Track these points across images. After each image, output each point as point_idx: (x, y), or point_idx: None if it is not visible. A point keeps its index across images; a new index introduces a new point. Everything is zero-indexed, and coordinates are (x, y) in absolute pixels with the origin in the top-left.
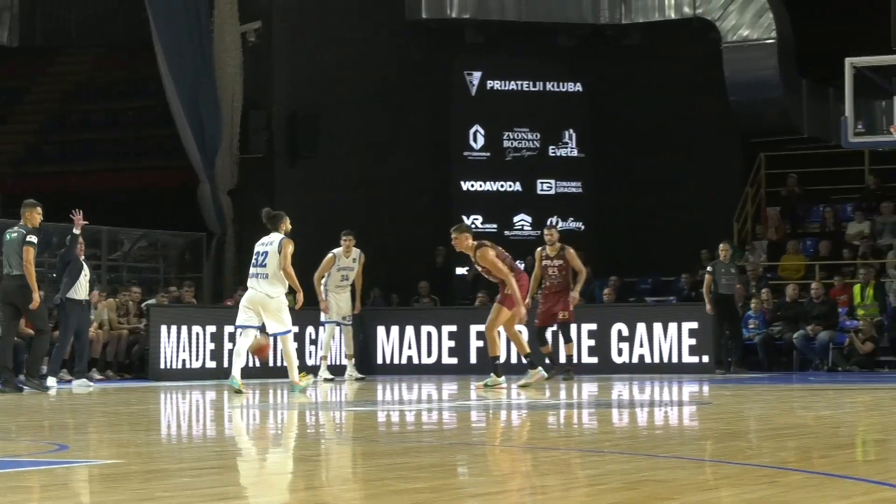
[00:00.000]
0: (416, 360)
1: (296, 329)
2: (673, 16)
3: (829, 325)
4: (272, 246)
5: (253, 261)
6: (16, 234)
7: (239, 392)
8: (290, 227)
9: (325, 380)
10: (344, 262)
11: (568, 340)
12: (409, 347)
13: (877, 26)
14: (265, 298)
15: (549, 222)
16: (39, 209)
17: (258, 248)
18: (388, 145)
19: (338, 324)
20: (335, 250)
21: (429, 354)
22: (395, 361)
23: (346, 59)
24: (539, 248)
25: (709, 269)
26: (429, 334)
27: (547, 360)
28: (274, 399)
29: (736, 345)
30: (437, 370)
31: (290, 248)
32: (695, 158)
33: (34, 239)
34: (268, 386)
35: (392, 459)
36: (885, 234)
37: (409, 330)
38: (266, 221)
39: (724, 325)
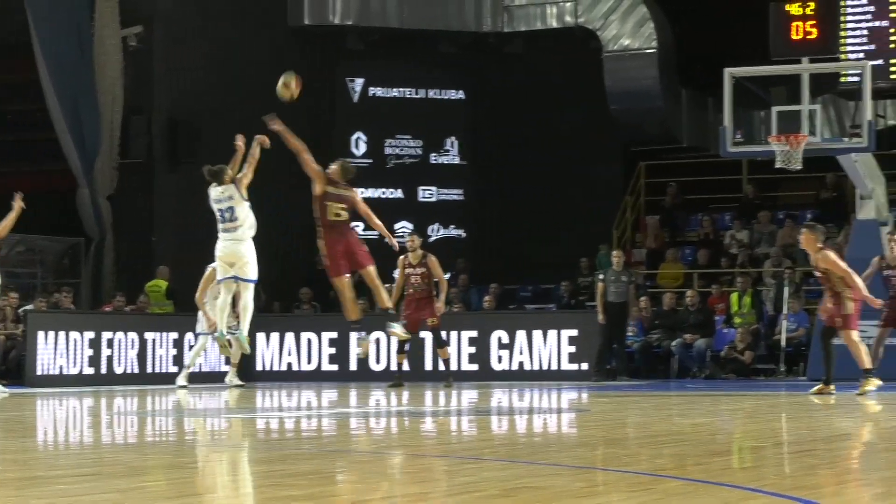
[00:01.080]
0: (295, 367)
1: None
2: (555, 24)
3: (706, 333)
4: (233, 200)
5: (220, 218)
6: None
7: (225, 346)
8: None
9: (236, 386)
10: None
11: (441, 345)
12: (290, 354)
13: (756, 37)
14: (240, 249)
15: (430, 231)
16: None
17: (217, 206)
18: (269, 151)
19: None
20: (215, 263)
21: (309, 361)
22: (275, 368)
23: (227, 65)
24: (402, 256)
25: (600, 276)
26: (309, 341)
27: (396, 369)
28: (153, 405)
29: (622, 352)
30: (317, 377)
31: (246, 181)
32: (576, 167)
33: None
34: (147, 392)
35: (269, 466)
36: (763, 243)
37: (290, 337)
38: (211, 178)
39: (613, 333)
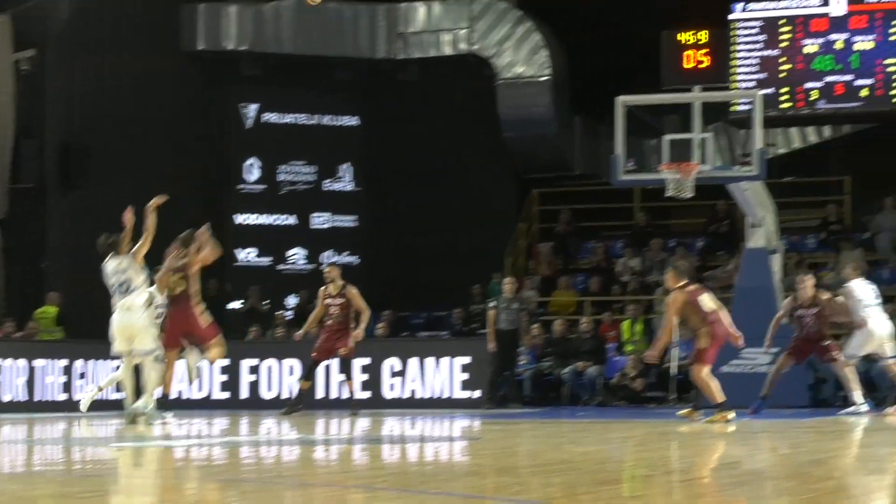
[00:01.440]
0: (186, 395)
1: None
2: (449, 52)
3: (598, 360)
4: (128, 272)
5: (115, 291)
6: None
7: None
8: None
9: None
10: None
11: (349, 377)
12: (180, 381)
13: (648, 66)
14: (135, 321)
15: (323, 258)
16: None
17: (113, 278)
18: (162, 177)
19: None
20: None
21: (199, 389)
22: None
23: (121, 89)
24: (323, 287)
25: (492, 304)
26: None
27: (297, 395)
28: (41, 434)
29: (512, 380)
30: (208, 405)
31: (144, 250)
32: (469, 193)
33: None
34: (35, 420)
35: (160, 496)
36: (654, 270)
37: (180, 364)
38: (108, 249)
39: (504, 361)
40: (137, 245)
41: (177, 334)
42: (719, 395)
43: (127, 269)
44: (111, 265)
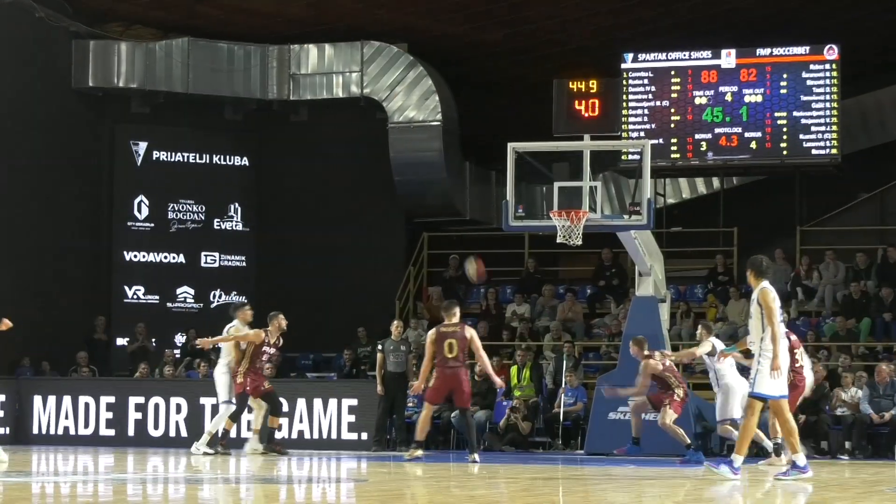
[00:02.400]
0: (72, 431)
1: None
2: (341, 94)
3: (485, 404)
4: None
5: None
6: None
7: None
8: None
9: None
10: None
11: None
12: (66, 418)
13: (540, 113)
14: None
15: (212, 296)
16: None
17: None
18: (47, 213)
19: None
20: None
21: (86, 425)
22: (52, 432)
23: (8, 125)
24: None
25: (379, 346)
26: (86, 405)
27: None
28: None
29: (400, 422)
30: (94, 441)
31: None
32: (360, 236)
33: None
34: None
35: None
36: (543, 316)
37: (67, 400)
38: None
39: (392, 403)
40: None
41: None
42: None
43: None
44: None
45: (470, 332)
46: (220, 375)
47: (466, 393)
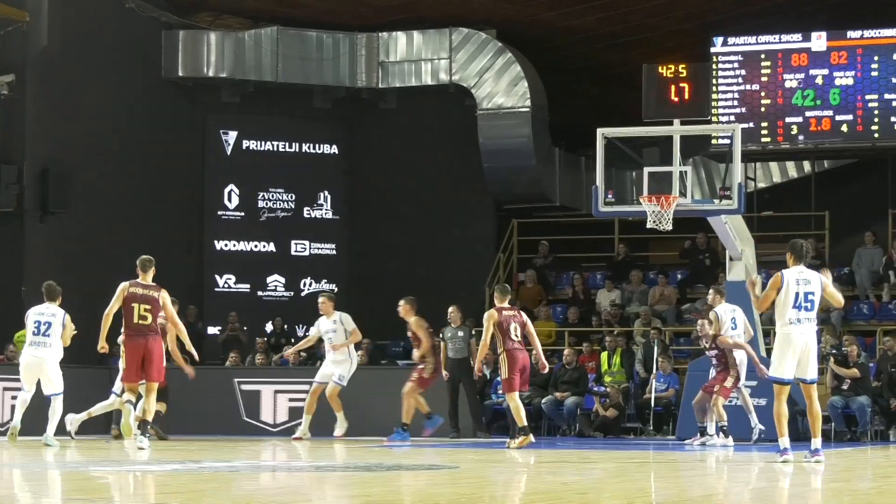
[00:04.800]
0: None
1: None
2: (430, 81)
3: (578, 391)
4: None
5: (34, 330)
6: None
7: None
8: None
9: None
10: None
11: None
12: None
13: (629, 99)
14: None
15: (303, 285)
16: None
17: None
18: (141, 203)
19: None
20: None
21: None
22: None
23: (101, 115)
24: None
25: (441, 335)
26: None
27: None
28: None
29: (473, 408)
30: (180, 430)
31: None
32: (449, 223)
33: None
34: None
35: None
36: (633, 302)
37: None
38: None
39: (457, 389)
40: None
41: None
42: (524, 420)
43: (53, 315)
44: (39, 308)
45: (525, 317)
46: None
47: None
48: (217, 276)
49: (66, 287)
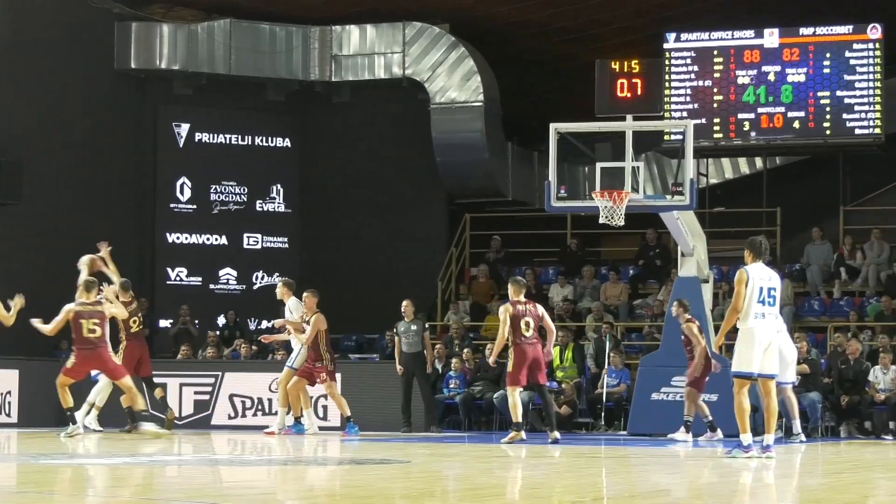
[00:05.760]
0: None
1: None
2: (383, 75)
3: (529, 386)
4: None
5: None
6: None
7: None
8: None
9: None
10: None
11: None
12: None
13: (582, 94)
14: None
15: (255, 278)
16: None
17: None
18: (93, 194)
19: None
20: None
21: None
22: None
23: (53, 106)
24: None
25: (395, 329)
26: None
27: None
28: None
29: (426, 403)
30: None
31: None
32: (402, 217)
33: None
34: None
35: None
36: (585, 297)
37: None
38: None
39: (410, 383)
40: None
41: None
42: (519, 415)
43: None
44: None
45: (542, 309)
46: None
47: (545, 369)
48: (169, 269)
49: (17, 277)
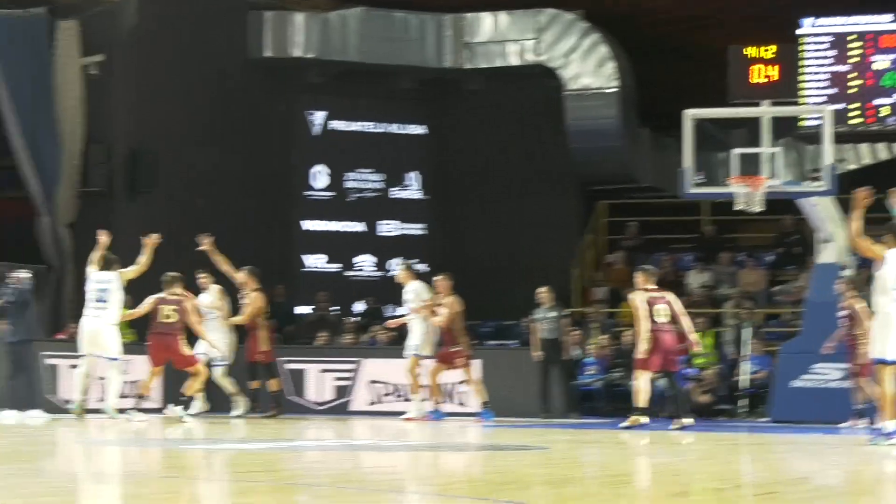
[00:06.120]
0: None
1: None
2: (516, 62)
3: (661, 372)
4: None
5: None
6: None
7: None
8: None
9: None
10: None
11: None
12: None
13: (716, 80)
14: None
15: (391, 265)
16: None
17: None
18: (228, 183)
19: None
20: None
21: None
22: None
23: (188, 96)
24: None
25: (532, 315)
26: None
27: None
28: (119, 435)
29: (564, 389)
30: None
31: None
32: (536, 204)
33: None
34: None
35: (235, 499)
36: (723, 284)
37: None
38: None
39: (548, 370)
40: (128, 269)
41: (161, 355)
42: (644, 401)
43: (109, 282)
44: (96, 276)
45: (672, 297)
46: None
47: (678, 357)
48: (305, 257)
49: (154, 267)
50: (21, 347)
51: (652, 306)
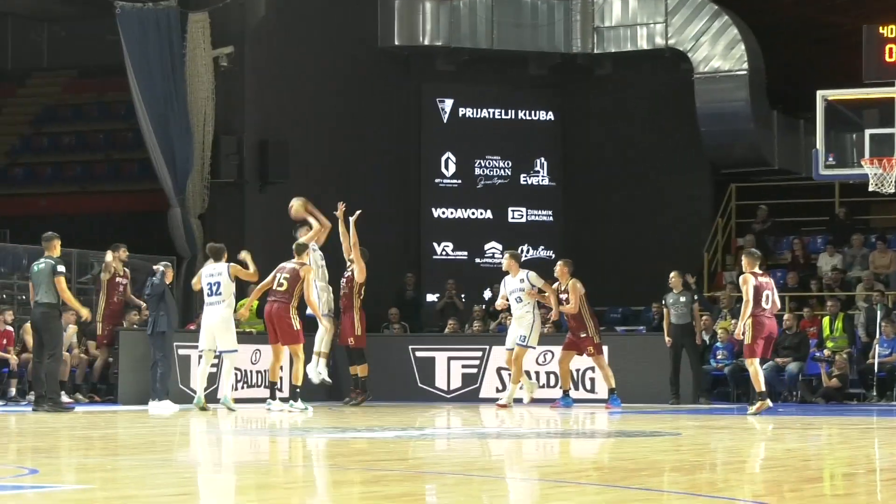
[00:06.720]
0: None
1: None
2: (645, 46)
3: (799, 356)
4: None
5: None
6: (44, 265)
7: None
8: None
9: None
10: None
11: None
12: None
13: (848, 60)
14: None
15: (519, 250)
16: (58, 240)
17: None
18: (358, 172)
19: None
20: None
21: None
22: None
23: (317, 85)
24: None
25: (663, 301)
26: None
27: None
28: (246, 425)
29: (695, 374)
30: (411, 396)
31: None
32: (665, 188)
33: (63, 268)
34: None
35: (366, 488)
36: (855, 266)
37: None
38: (210, 254)
39: (679, 355)
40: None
41: (272, 329)
42: (762, 385)
43: (220, 273)
44: (208, 269)
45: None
46: None
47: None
48: (434, 244)
49: (284, 256)
50: (161, 339)
51: (762, 291)
